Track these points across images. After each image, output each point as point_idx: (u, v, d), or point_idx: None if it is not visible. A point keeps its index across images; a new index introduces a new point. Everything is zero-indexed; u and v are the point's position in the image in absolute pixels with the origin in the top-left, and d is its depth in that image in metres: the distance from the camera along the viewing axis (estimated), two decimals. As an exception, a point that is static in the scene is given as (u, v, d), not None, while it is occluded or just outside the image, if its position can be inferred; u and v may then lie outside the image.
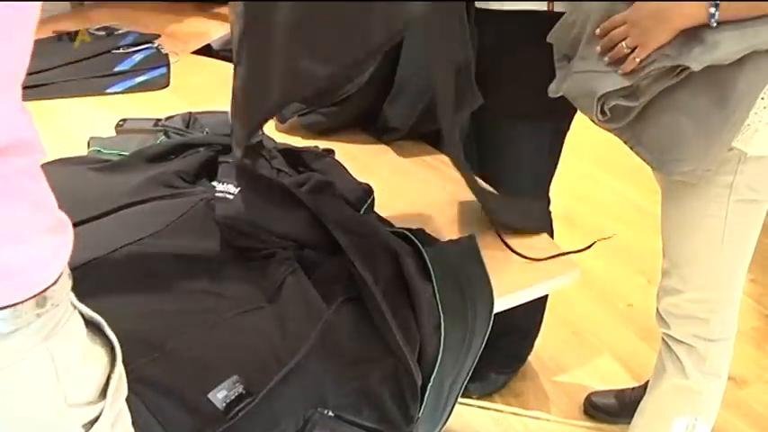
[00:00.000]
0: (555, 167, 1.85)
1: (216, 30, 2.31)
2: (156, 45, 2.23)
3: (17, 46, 0.62)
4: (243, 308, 1.18)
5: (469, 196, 1.50)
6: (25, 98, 0.66)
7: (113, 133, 1.68)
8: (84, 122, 1.75)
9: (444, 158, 1.65)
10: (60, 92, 1.93)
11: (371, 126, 1.71)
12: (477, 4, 1.60)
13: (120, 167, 1.49)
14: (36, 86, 1.90)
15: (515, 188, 1.63)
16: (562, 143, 1.80)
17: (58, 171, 1.40)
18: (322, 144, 1.62)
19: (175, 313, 1.17)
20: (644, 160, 1.34)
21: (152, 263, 1.27)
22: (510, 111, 1.69)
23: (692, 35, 1.18)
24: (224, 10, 2.41)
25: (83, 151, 1.59)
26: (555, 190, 1.89)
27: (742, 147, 1.25)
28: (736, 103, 1.18)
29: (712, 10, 1.14)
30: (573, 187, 2.81)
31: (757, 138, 1.24)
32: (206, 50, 2.21)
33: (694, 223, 1.39)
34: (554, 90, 1.44)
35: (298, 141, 1.65)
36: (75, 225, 0.75)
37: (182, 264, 1.27)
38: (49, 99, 1.88)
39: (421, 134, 1.70)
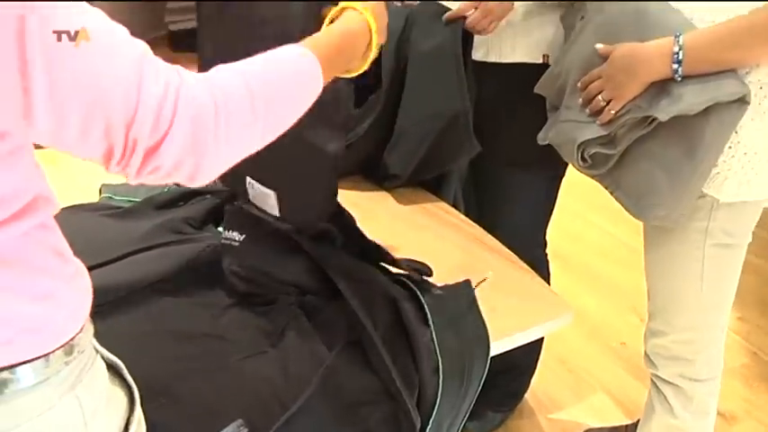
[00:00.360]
0: (551, 212, 1.89)
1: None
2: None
3: None
4: (246, 352, 1.22)
5: (467, 243, 1.54)
6: (38, 145, 0.69)
7: (124, 180, 1.72)
8: (96, 169, 1.78)
9: (444, 205, 1.70)
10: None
11: (372, 173, 1.75)
12: (475, 57, 1.65)
13: (131, 214, 1.54)
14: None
15: (513, 233, 1.65)
16: (558, 189, 1.84)
17: (70, 217, 1.44)
18: (324, 190, 1.67)
19: (180, 358, 1.20)
20: (622, 205, 1.40)
21: (158, 308, 1.31)
22: (508, 159, 1.74)
23: (661, 88, 1.27)
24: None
25: (95, 198, 1.64)
26: (548, 231, 1.93)
27: (714, 194, 1.31)
28: (704, 152, 1.25)
29: (675, 66, 1.22)
30: (566, 228, 2.84)
31: (727, 185, 1.30)
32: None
33: (674, 267, 1.43)
34: (542, 138, 1.51)
35: (300, 188, 1.69)
36: (87, 270, 0.79)
37: (187, 308, 1.32)
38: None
39: (420, 181, 1.75)
